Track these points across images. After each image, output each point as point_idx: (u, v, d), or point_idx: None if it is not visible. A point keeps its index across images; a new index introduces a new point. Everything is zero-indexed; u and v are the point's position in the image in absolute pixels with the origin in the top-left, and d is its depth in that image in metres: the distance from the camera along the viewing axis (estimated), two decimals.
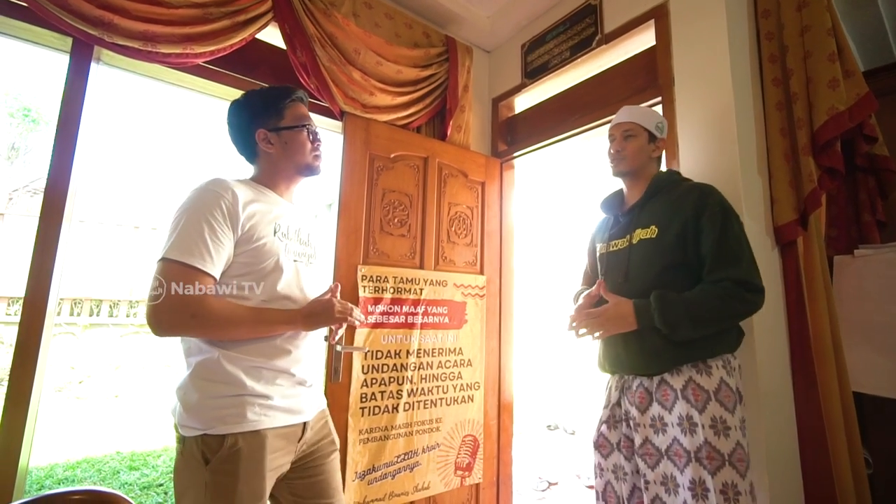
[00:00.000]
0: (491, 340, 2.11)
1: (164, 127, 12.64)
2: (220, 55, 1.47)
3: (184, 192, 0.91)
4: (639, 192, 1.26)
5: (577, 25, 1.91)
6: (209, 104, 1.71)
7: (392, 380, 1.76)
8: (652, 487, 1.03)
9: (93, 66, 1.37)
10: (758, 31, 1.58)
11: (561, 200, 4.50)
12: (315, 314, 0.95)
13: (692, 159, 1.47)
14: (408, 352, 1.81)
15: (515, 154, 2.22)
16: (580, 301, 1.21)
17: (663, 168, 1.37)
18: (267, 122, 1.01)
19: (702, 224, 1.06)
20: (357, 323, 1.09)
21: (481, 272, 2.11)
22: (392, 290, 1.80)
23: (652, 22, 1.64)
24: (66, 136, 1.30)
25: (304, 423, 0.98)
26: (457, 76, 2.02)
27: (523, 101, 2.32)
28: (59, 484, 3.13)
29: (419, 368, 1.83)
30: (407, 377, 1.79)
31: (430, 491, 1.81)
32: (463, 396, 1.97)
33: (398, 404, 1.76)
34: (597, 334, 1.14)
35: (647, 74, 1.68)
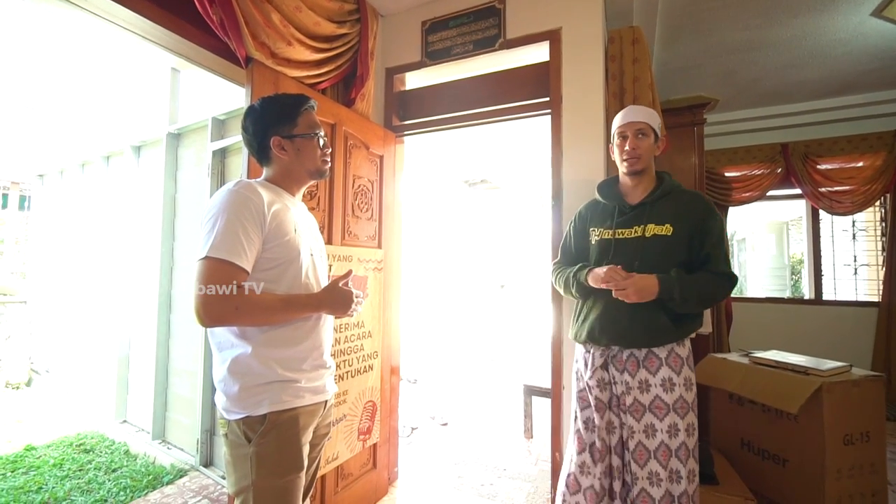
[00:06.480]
0: (387, 311, 2.21)
1: None
2: None
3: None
4: (643, 188, 1.39)
5: (481, 21, 2.08)
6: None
7: None
8: (636, 436, 1.29)
9: None
10: (606, 70, 2.10)
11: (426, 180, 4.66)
12: (337, 303, 1.06)
13: (574, 157, 1.89)
14: None
15: (411, 131, 2.28)
16: (604, 270, 1.27)
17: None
18: (281, 129, 1.07)
19: (706, 228, 1.29)
20: (356, 314, 1.17)
21: (380, 246, 2.15)
22: None
23: (547, 42, 1.95)
24: None
25: (326, 402, 1.12)
26: (367, 41, 1.91)
27: (415, 79, 2.36)
28: None
29: None
30: None
31: (339, 461, 1.86)
32: (364, 367, 2.04)
33: None
34: (616, 293, 1.25)
35: (540, 85, 2.01)
